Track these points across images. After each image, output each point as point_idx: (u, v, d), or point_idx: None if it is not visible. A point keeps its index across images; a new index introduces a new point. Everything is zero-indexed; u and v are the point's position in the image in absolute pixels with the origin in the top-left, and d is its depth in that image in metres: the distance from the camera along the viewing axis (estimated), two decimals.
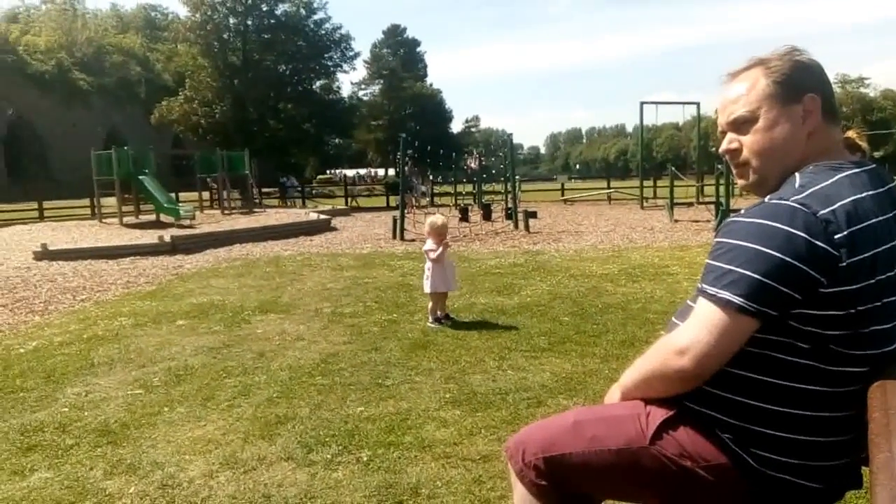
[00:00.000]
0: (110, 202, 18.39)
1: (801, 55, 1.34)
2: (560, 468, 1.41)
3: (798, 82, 1.30)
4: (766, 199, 1.26)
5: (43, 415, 3.46)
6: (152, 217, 17.11)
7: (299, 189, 31.10)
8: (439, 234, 5.25)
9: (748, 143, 1.34)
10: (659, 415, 1.35)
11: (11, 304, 6.92)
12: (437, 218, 5.48)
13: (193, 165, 22.58)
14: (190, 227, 15.34)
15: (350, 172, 55.66)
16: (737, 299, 1.17)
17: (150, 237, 12.46)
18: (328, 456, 2.83)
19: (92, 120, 47.41)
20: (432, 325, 5.13)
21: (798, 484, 1.26)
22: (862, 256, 1.17)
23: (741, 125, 1.34)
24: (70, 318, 6.11)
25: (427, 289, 5.26)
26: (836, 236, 1.16)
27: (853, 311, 1.18)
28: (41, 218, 21.15)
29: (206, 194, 22.84)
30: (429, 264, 5.25)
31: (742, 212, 1.27)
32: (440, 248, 5.20)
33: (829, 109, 1.32)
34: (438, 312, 5.23)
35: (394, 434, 3.04)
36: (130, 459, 2.87)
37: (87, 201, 22.16)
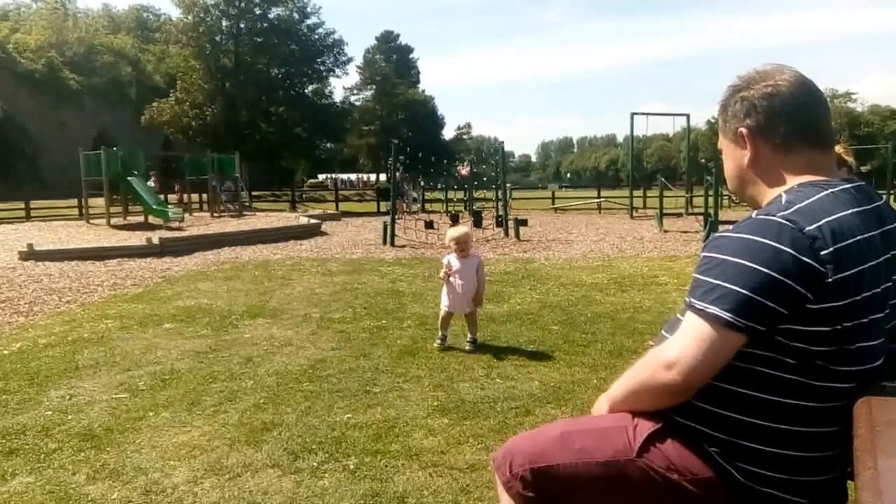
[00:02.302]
0: (98, 203, 18.26)
1: (744, 84, 1.35)
2: (547, 479, 1.41)
3: (734, 115, 1.37)
4: (753, 215, 1.27)
5: (25, 418, 3.42)
6: (141, 218, 17.00)
7: (235, 195, 27.43)
8: (457, 245, 4.64)
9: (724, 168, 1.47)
10: (646, 427, 1.35)
11: None
12: (453, 230, 4.81)
13: (183, 168, 22.49)
14: (178, 229, 15.25)
15: (343, 177, 55.45)
16: (725, 314, 1.18)
17: (138, 239, 12.37)
18: (314, 463, 2.81)
19: (81, 120, 47.06)
20: (437, 343, 4.69)
21: (783, 498, 1.26)
22: (848, 273, 1.18)
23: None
24: (55, 320, 6.05)
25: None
26: (823, 252, 1.17)
27: (839, 327, 1.19)
28: (28, 218, 20.96)
29: (195, 196, 22.73)
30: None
31: (730, 227, 1.29)
32: (443, 269, 4.66)
33: (781, 136, 1.31)
34: (469, 335, 4.71)
35: (381, 442, 3.03)
36: (114, 464, 2.84)
37: (74, 202, 22.01)
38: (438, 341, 4.71)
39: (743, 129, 1.35)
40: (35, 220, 20.37)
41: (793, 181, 1.31)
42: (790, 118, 1.31)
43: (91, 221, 17.65)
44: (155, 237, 11.93)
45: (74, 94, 47.22)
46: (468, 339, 4.70)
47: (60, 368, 4.34)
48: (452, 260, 4.67)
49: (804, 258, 1.16)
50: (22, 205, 21.95)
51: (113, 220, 16.79)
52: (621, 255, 10.54)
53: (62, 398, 3.74)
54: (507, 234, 13.92)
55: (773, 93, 1.32)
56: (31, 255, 10.51)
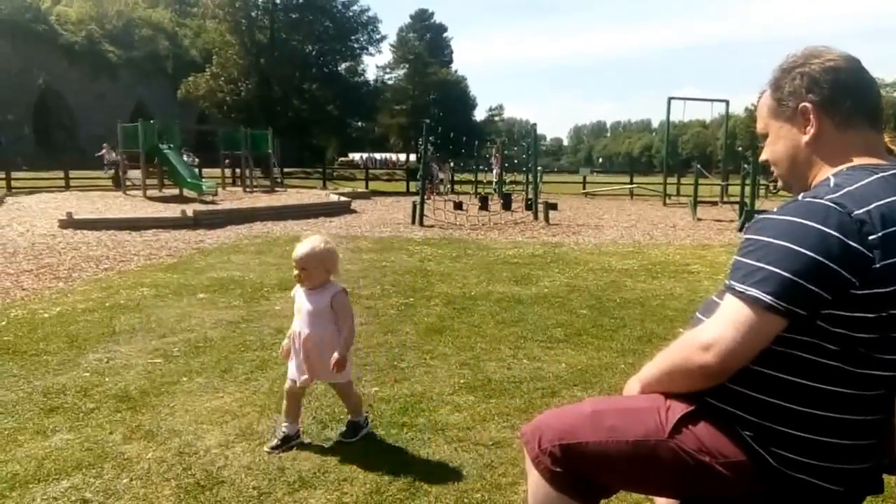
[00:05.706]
0: (135, 174, 18.61)
1: (801, 61, 1.32)
2: (576, 456, 1.41)
3: (792, 92, 1.32)
4: (800, 197, 1.25)
5: (65, 378, 3.54)
6: (175, 191, 17.29)
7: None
8: (296, 270, 2.72)
9: (767, 154, 1.42)
10: (679, 409, 1.34)
11: (36, 270, 7.05)
12: (300, 246, 2.79)
13: (218, 142, 22.78)
14: (212, 202, 15.50)
15: (378, 156, 55.43)
16: (766, 297, 1.16)
17: (172, 211, 12.60)
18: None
19: (119, 92, 47.89)
20: (271, 445, 2.68)
21: (817, 485, 1.25)
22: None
23: (763, 138, 1.43)
24: (93, 287, 6.22)
25: None
26: (871, 237, 1.14)
27: (884, 314, 1.16)
28: (67, 187, 21.46)
29: (227, 171, 23.03)
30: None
31: (775, 209, 1.26)
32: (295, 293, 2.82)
33: (845, 111, 1.29)
34: (286, 422, 2.73)
35: (407, 415, 3.07)
36: (149, 426, 2.92)
37: (112, 172, 22.42)
38: (276, 440, 2.70)
39: (807, 104, 1.30)
40: (74, 189, 20.85)
41: (849, 161, 1.28)
42: (854, 93, 1.29)
43: (128, 192, 18.02)
44: (189, 210, 12.15)
45: (113, 67, 48.04)
46: (344, 425, 2.84)
47: (98, 333, 4.48)
48: (298, 293, 2.79)
49: (851, 242, 1.13)
50: (62, 174, 22.49)
51: (148, 192, 17.11)
52: (653, 242, 10.41)
53: (100, 361, 3.86)
54: (536, 217, 13.85)
55: (837, 67, 1.28)
56: (70, 223, 10.80)
